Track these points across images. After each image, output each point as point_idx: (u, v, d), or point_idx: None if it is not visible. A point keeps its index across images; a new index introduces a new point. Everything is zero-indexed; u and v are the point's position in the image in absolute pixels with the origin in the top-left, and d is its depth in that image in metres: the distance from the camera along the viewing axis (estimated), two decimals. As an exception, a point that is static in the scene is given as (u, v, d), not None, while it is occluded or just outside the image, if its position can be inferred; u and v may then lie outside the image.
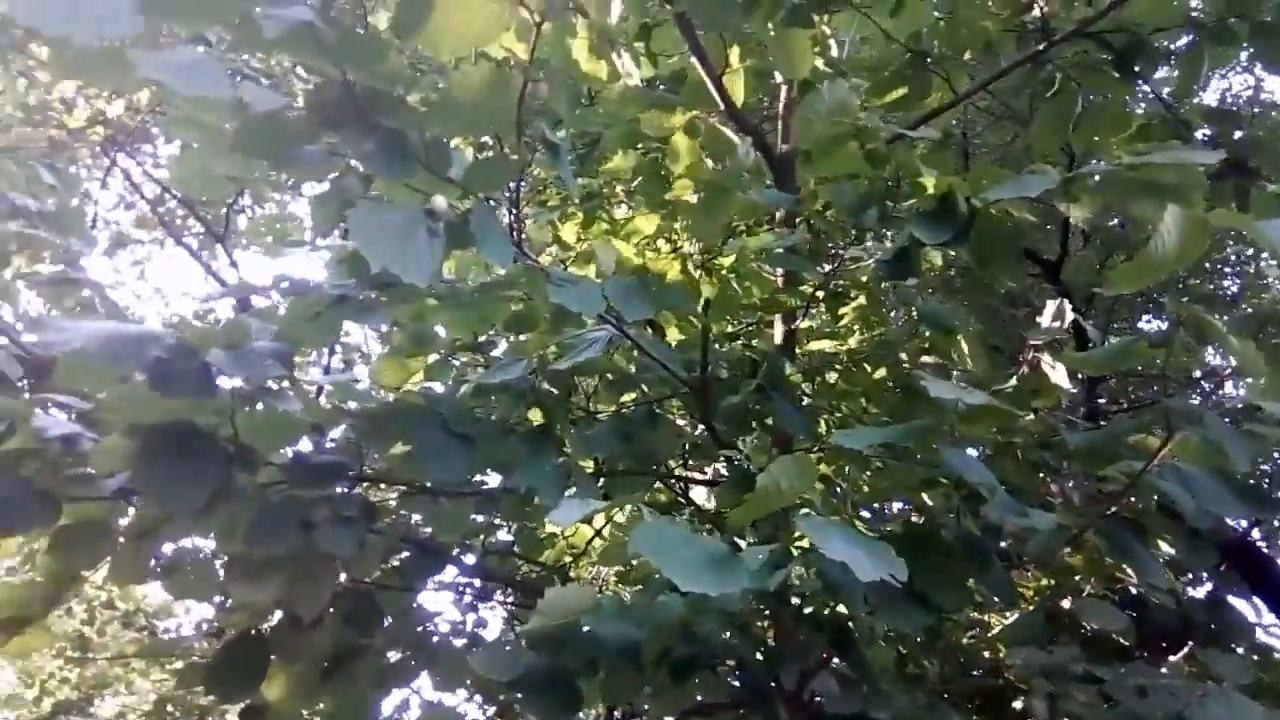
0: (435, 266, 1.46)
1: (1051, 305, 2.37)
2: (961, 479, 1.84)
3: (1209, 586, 2.77)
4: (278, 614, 2.27)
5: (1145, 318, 5.36)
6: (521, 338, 2.64)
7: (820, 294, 2.67)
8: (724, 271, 2.61)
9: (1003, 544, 2.11)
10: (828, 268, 2.58)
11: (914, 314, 2.23)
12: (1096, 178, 1.56)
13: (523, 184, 1.90)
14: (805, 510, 1.59)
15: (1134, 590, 2.48)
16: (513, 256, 1.62)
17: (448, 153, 1.70)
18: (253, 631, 2.22)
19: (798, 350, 2.95)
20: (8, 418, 1.68)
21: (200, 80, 1.40)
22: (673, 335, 2.86)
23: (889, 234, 2.25)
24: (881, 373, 2.77)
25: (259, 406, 1.97)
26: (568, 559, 3.29)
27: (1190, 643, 2.45)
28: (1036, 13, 2.40)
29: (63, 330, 1.50)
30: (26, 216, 2.43)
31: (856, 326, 3.11)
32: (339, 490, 2.07)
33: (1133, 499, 1.95)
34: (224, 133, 1.68)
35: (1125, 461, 1.97)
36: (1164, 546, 2.24)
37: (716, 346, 3.40)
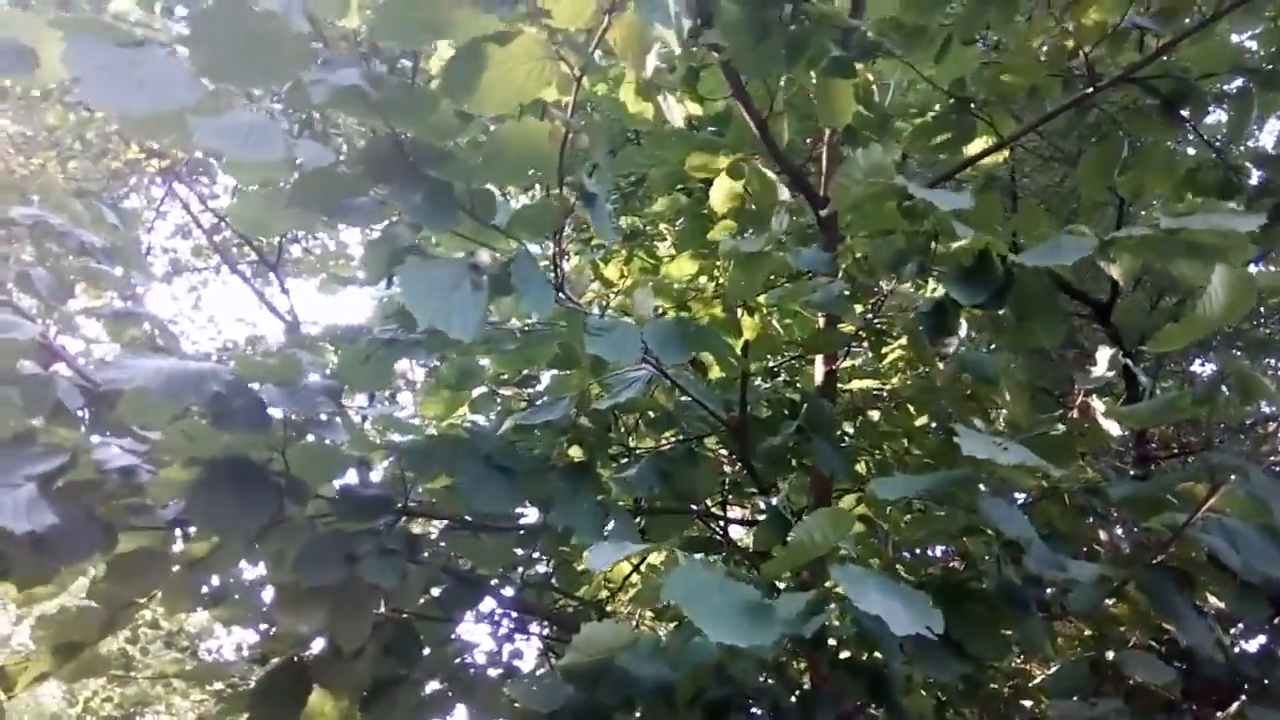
0: (479, 320, 1.52)
1: (1104, 354, 2.37)
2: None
3: (1261, 639, 2.71)
4: (319, 642, 2.34)
5: (1198, 362, 5.27)
6: (564, 373, 2.70)
7: (862, 334, 2.69)
8: (765, 312, 2.65)
9: (1045, 592, 2.11)
10: (868, 311, 2.60)
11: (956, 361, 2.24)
12: (1136, 239, 1.58)
13: (566, 226, 1.96)
14: (841, 557, 1.61)
15: (1182, 642, 2.45)
16: (552, 303, 1.67)
17: (493, 201, 1.78)
18: (295, 659, 2.29)
19: (839, 389, 2.97)
20: (70, 450, 1.78)
21: (257, 145, 1.49)
22: (714, 372, 2.90)
23: (928, 284, 2.27)
24: (924, 418, 2.77)
25: (309, 438, 2.05)
26: (605, 594, 3.33)
27: (1241, 698, 2.41)
28: (1082, 59, 2.42)
29: (125, 368, 1.59)
30: (91, 252, 2.56)
31: (901, 365, 3.12)
32: (383, 523, 2.14)
33: (1179, 549, 1.94)
34: (279, 185, 1.78)
35: (1171, 513, 1.96)
36: (1213, 598, 2.21)
37: (759, 382, 3.44)
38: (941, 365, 2.48)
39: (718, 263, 2.98)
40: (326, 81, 1.45)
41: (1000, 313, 1.95)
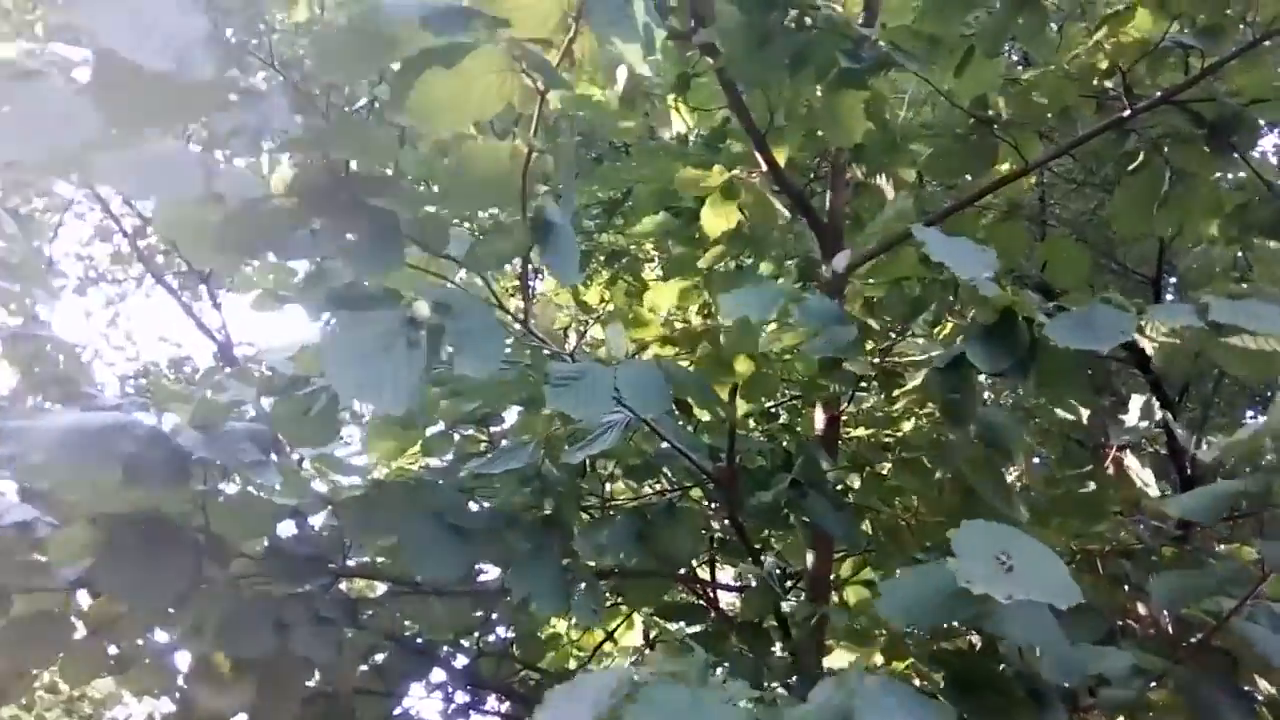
0: (413, 388, 1.51)
1: (1137, 401, 2.38)
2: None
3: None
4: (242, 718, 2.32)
5: (1249, 413, 5.29)
6: (531, 413, 2.70)
7: (866, 379, 2.70)
8: (760, 353, 2.66)
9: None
10: (877, 354, 2.62)
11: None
12: (1178, 328, 1.58)
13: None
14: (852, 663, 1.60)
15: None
16: (496, 362, 1.66)
17: (445, 229, 1.78)
18: (214, 737, 2.27)
19: (841, 437, 2.98)
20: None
21: (170, 182, 1.49)
22: (698, 413, 2.90)
23: (945, 328, 2.29)
24: (938, 472, 2.78)
25: (235, 483, 2.04)
26: (572, 664, 3.31)
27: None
28: (1118, 78, 2.45)
29: (19, 438, 1.57)
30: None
31: (913, 410, 3.13)
32: (319, 585, 2.13)
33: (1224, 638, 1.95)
34: (204, 221, 1.77)
35: (1215, 598, 1.96)
36: (1263, 683, 2.21)
37: (753, 425, 3.44)
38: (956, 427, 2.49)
39: (706, 294, 3.00)
40: (245, 124, 1.45)
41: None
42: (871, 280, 2.26)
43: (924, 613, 1.64)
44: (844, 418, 2.97)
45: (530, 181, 1.72)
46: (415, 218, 1.72)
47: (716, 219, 2.85)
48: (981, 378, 2.09)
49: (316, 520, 2.30)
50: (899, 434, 3.12)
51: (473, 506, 2.41)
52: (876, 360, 2.61)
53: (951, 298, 2.01)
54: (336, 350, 1.50)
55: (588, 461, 2.78)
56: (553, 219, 1.78)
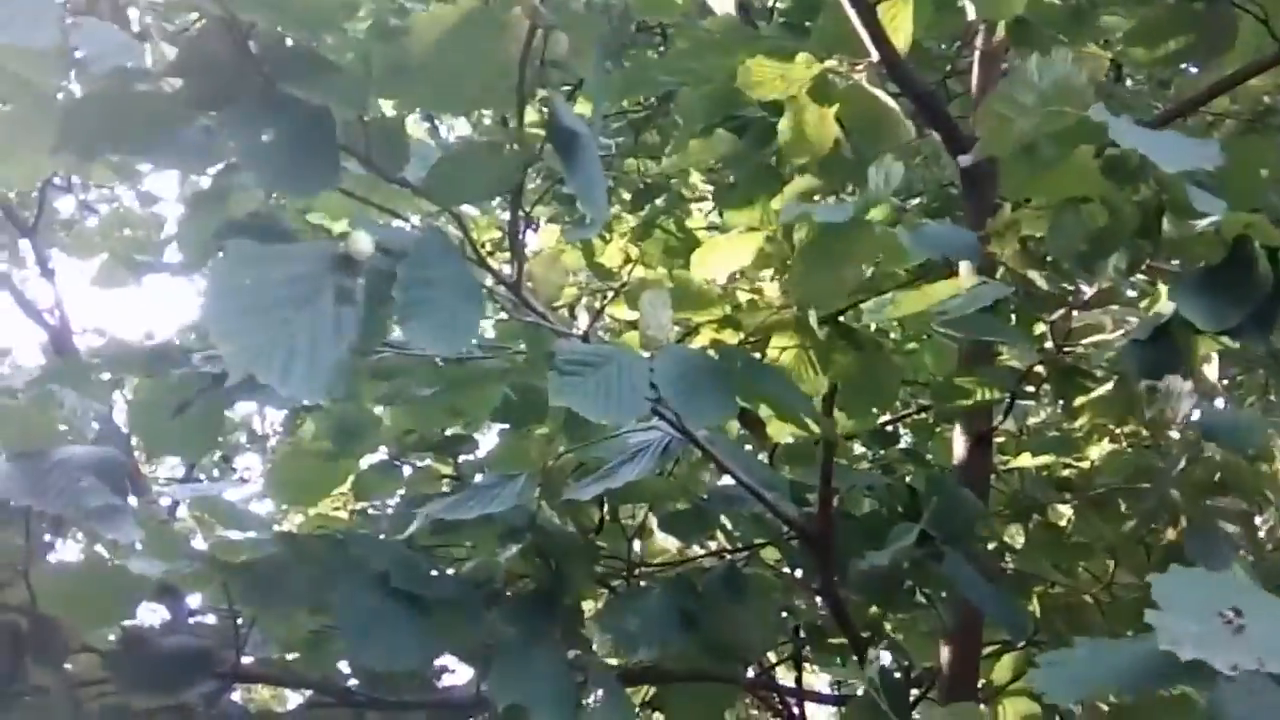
0: (339, 363, 1.52)
1: None
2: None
3: None
4: None
5: None
6: (519, 433, 2.70)
7: (1038, 374, 2.69)
8: (870, 335, 2.66)
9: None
10: (1049, 336, 2.59)
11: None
12: None
13: (531, 181, 1.98)
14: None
15: None
16: (470, 334, 1.68)
17: (403, 139, 1.77)
18: None
19: (996, 469, 2.97)
20: None
21: (9, 20, 1.51)
22: (779, 433, 2.89)
23: (1154, 290, 2.25)
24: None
25: (76, 539, 2.05)
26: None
27: None
28: None
29: None
30: None
31: (1106, 425, 3.11)
32: (200, 695, 2.14)
33: None
34: (44, 96, 1.79)
35: None
36: None
37: (859, 450, 3.41)
38: (1172, 432, 2.47)
39: (789, 245, 2.99)
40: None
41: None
42: (1028, 204, 2.24)
43: (1100, 686, 1.66)
44: (999, 439, 2.95)
45: (533, 71, 1.73)
46: (358, 120, 1.72)
47: (802, 135, 2.83)
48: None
49: (196, 597, 2.31)
50: (1085, 463, 3.10)
51: (433, 573, 2.42)
52: (1048, 346, 2.59)
53: (1160, 224, 1.99)
54: (223, 297, 1.50)
55: (606, 506, 2.79)
56: (570, 126, 1.78)
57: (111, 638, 2.14)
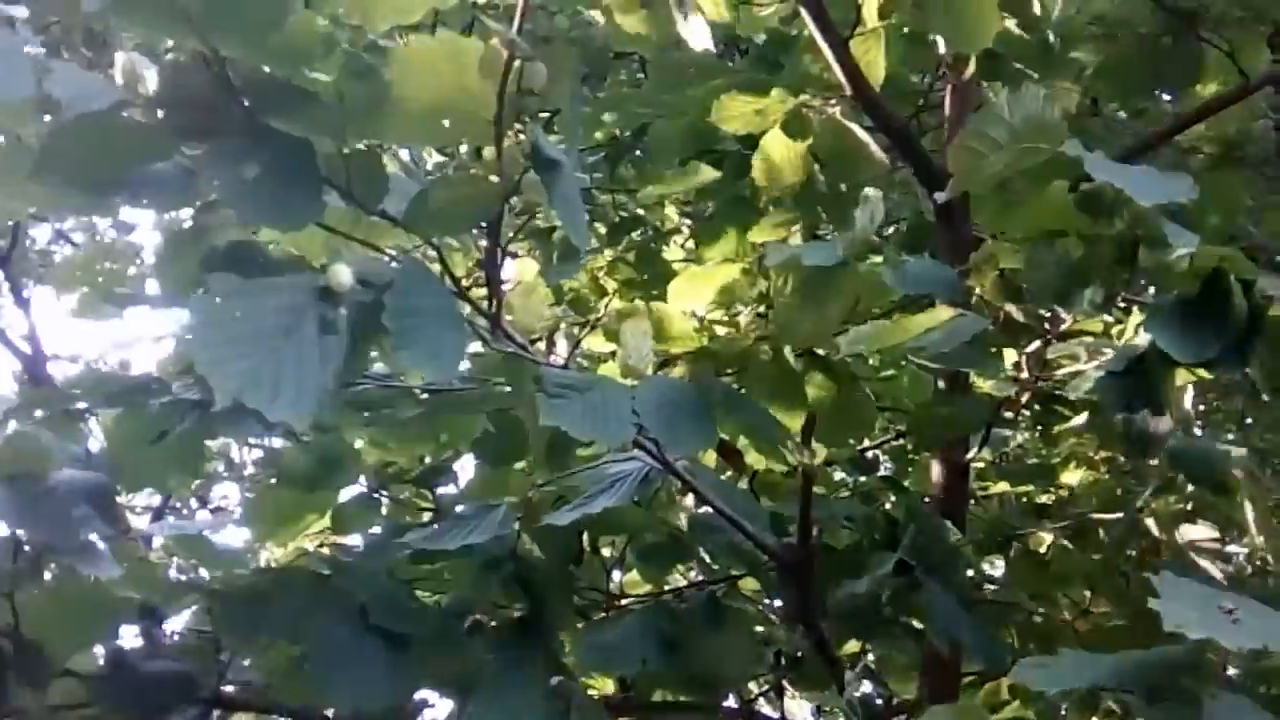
0: (323, 386, 1.54)
1: None
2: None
3: None
4: None
5: None
6: (498, 465, 2.71)
7: (1015, 402, 2.72)
8: (846, 366, 2.68)
9: None
10: (1025, 365, 2.63)
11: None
12: None
13: (509, 212, 1.99)
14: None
15: None
16: (458, 359, 1.69)
17: (382, 172, 1.80)
18: None
19: (974, 496, 2.99)
20: None
21: None
22: (758, 462, 2.91)
23: (1129, 317, 2.28)
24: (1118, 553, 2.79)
25: (52, 574, 2.05)
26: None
27: None
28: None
29: None
30: None
31: (1083, 453, 3.13)
32: (181, 718, 2.14)
33: None
34: (21, 138, 1.81)
35: None
36: None
37: (838, 478, 3.41)
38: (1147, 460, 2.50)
39: (765, 278, 3.01)
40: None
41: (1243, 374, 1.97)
42: (1003, 238, 2.27)
43: (1088, 681, 1.69)
44: (977, 464, 2.97)
45: (511, 102, 1.75)
46: (337, 153, 1.74)
47: (777, 168, 2.86)
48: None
49: (177, 621, 2.32)
50: (1062, 491, 3.12)
51: (412, 605, 2.43)
52: (1024, 376, 2.62)
53: (1131, 249, 2.02)
54: (210, 326, 1.52)
55: (586, 541, 2.80)
56: (551, 155, 1.80)
57: (94, 662, 2.14)
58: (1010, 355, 2.68)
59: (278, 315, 1.57)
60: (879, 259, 2.20)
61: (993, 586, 3.10)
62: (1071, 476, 3.10)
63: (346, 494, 2.88)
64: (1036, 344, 2.48)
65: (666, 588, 2.95)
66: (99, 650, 2.16)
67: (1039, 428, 2.94)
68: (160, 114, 1.72)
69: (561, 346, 3.82)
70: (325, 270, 1.65)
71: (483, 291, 2.08)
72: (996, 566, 3.11)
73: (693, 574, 2.97)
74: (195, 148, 1.75)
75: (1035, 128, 1.88)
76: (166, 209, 1.93)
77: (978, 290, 2.29)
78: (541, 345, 3.94)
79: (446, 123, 1.80)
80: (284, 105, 1.71)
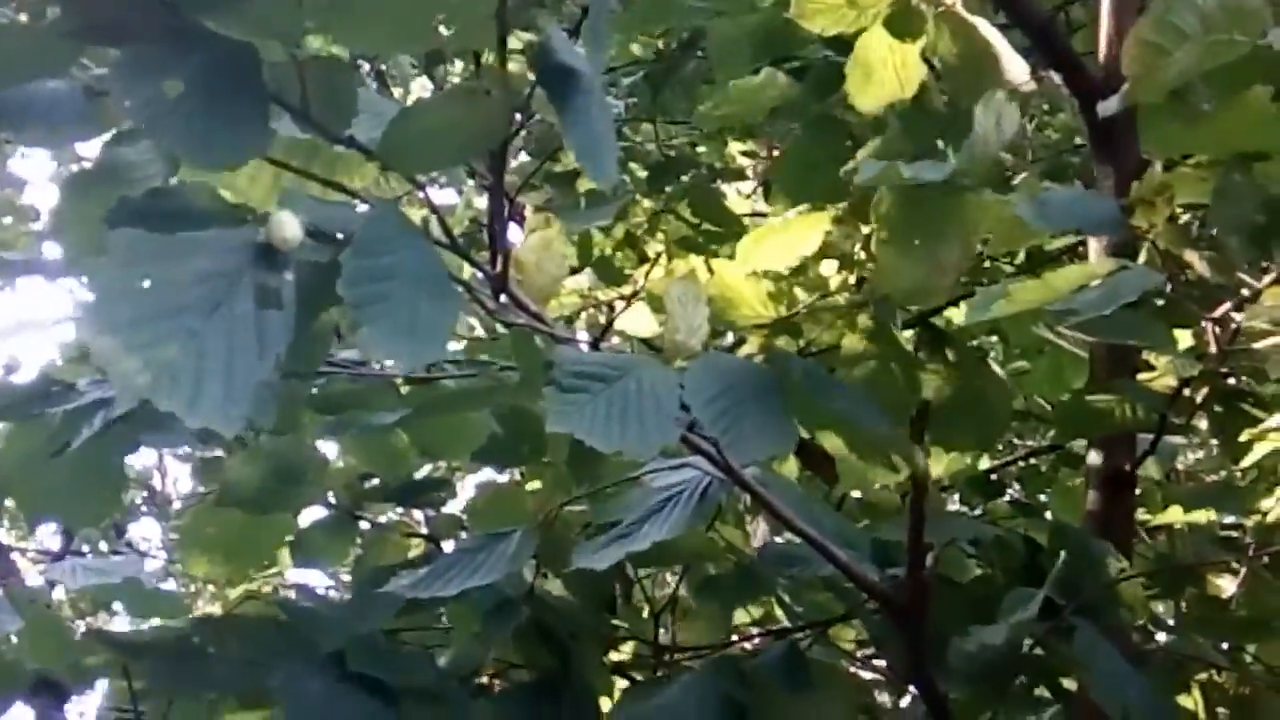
0: (259, 384, 1.50)
1: None
2: None
3: None
4: None
5: None
6: (509, 477, 2.70)
7: (1185, 405, 2.67)
8: (969, 345, 2.64)
9: None
10: (1211, 341, 2.57)
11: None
12: None
13: (514, 147, 1.96)
14: None
15: None
16: (440, 343, 1.66)
17: (349, 88, 1.77)
18: None
19: (1143, 524, 2.94)
20: None
21: None
22: (849, 472, 2.89)
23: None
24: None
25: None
26: None
27: None
28: None
29: None
30: None
31: (1269, 477, 3.09)
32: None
33: None
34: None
35: None
36: None
37: (958, 499, 3.39)
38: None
39: (863, 225, 2.99)
40: None
41: None
42: (1187, 164, 2.22)
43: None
44: (1139, 486, 2.93)
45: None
46: (290, 62, 1.71)
47: (878, 80, 2.83)
48: None
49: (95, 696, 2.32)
50: (1254, 518, 3.07)
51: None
52: (1210, 350, 2.57)
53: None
54: (110, 304, 1.48)
55: (626, 577, 2.78)
56: (565, 61, 1.78)
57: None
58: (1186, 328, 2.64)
59: (200, 285, 1.53)
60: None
61: (1161, 637, 3.06)
62: (1267, 500, 3.05)
63: (309, 516, 2.90)
64: (1227, 306, 2.43)
65: (733, 638, 2.94)
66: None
67: (1220, 435, 2.87)
68: (53, 13, 1.70)
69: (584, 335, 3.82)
70: (265, 222, 1.60)
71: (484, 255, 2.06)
72: (1168, 611, 3.07)
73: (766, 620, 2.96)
74: (100, 59, 1.73)
75: (1232, 13, 1.83)
76: (61, 142, 1.90)
77: (1147, 234, 2.24)
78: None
79: (430, 19, 1.78)
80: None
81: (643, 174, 3.93)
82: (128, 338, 1.46)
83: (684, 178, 3.85)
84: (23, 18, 1.71)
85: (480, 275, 2.05)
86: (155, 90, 1.63)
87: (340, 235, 1.70)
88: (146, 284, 1.52)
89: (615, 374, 1.90)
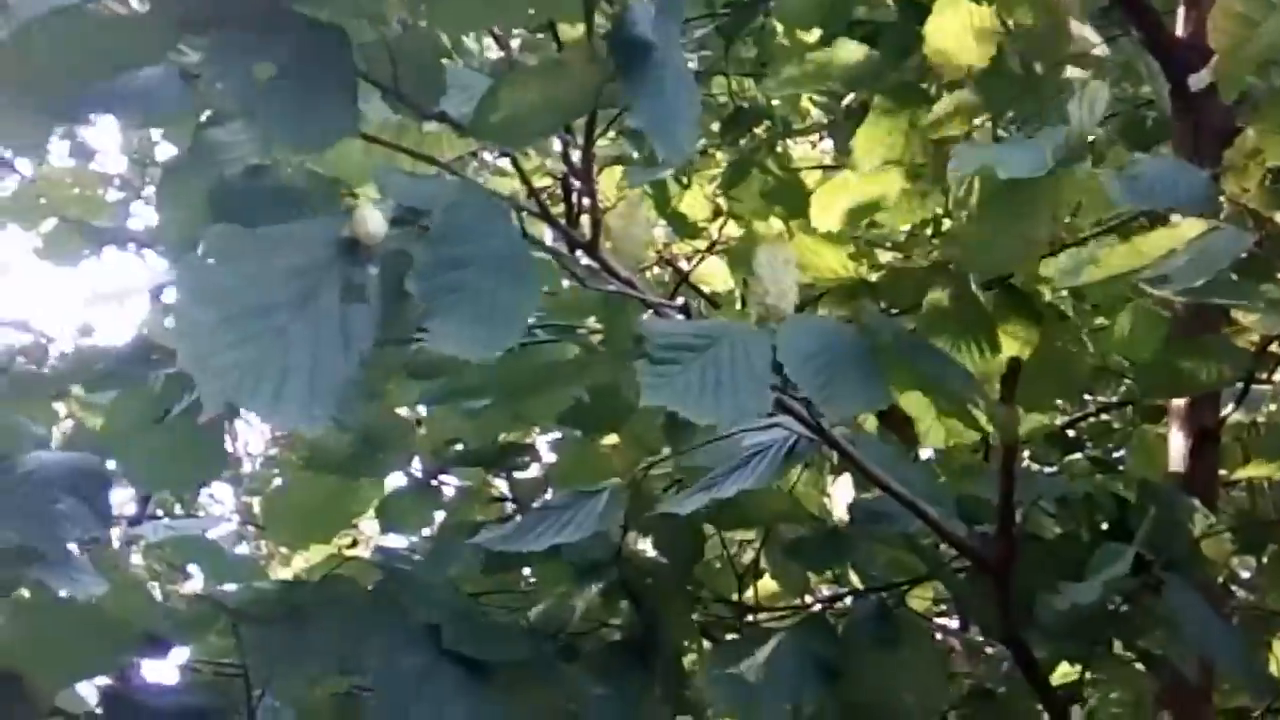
0: (344, 385, 1.50)
1: None
2: None
3: None
4: None
5: None
6: (594, 439, 2.71)
7: (1269, 358, 2.65)
8: (1050, 304, 2.65)
9: None
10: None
11: None
12: None
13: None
14: None
15: None
16: (515, 335, 1.66)
17: (438, 64, 1.80)
18: None
19: (1228, 480, 2.94)
20: None
21: None
22: (936, 434, 2.88)
23: None
24: None
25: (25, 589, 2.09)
26: None
27: None
28: None
29: None
30: None
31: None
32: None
33: None
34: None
35: None
36: None
37: (1041, 456, 3.39)
38: None
39: (941, 186, 2.98)
40: None
41: None
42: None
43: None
44: (1223, 441, 2.95)
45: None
46: (379, 42, 1.73)
47: (955, 41, 2.85)
48: None
49: (194, 649, 2.34)
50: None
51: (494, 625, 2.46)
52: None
53: None
54: (199, 302, 1.47)
55: (715, 532, 2.79)
56: (638, 35, 1.76)
57: (91, 699, 2.17)
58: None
59: (289, 281, 1.52)
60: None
61: (1242, 593, 3.06)
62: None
63: (394, 482, 2.92)
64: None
65: (809, 599, 2.96)
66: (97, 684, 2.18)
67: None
68: (146, 3, 1.72)
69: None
70: (350, 214, 1.60)
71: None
72: (1246, 569, 3.07)
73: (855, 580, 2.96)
74: (194, 45, 1.74)
75: None
76: (162, 123, 1.90)
77: (1238, 199, 2.24)
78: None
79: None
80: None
81: (715, 126, 3.91)
82: (212, 341, 1.46)
83: (757, 130, 3.83)
84: (118, 8, 1.71)
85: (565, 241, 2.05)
86: (247, 75, 1.65)
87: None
88: (231, 283, 1.52)
89: (706, 343, 1.91)
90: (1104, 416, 3.46)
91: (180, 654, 2.31)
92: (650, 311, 2.15)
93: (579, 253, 2.05)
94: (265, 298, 1.51)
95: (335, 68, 1.71)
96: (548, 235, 2.15)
